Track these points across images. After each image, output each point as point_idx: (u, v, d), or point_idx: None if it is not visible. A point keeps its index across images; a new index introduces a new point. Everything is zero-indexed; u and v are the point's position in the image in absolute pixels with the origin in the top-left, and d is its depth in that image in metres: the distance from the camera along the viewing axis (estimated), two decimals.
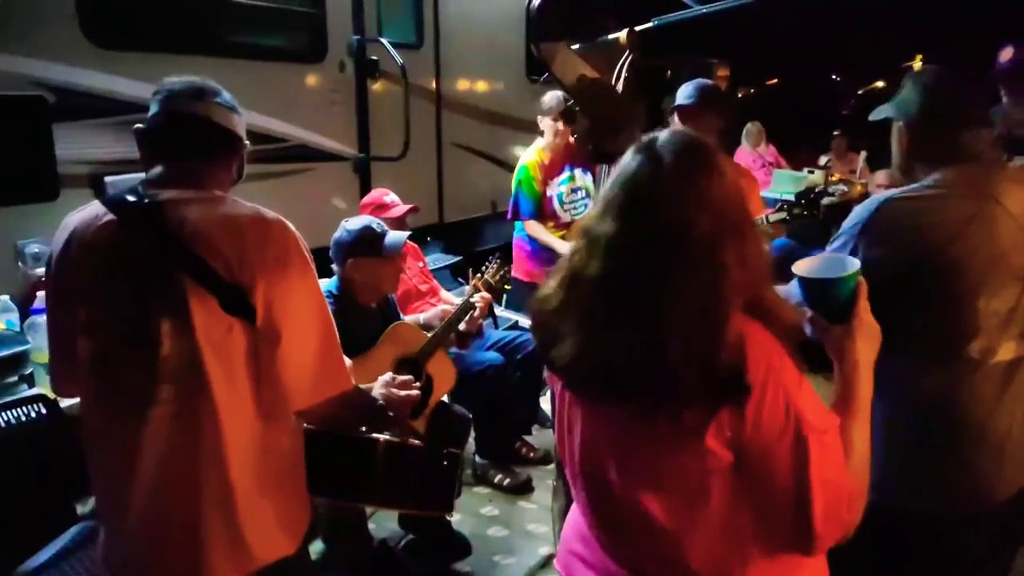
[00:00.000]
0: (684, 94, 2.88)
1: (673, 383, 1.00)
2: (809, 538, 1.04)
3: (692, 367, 0.99)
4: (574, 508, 1.34)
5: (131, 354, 1.31)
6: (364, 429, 1.62)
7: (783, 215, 2.78)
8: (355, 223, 2.64)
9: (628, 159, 1.11)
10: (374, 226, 2.62)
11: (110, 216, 1.34)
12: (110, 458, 1.38)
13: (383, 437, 1.61)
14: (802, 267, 1.23)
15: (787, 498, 1.03)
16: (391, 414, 1.71)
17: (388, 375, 1.82)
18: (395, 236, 2.65)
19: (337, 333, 1.46)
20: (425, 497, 1.73)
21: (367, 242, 2.58)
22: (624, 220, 1.07)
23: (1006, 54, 2.47)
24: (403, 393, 1.80)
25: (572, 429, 1.22)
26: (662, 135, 1.11)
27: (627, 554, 1.20)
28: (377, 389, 1.78)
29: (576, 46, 2.11)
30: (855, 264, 1.22)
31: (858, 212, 1.56)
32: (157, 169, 1.41)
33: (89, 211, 1.39)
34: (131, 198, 1.35)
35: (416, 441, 1.67)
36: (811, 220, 2.79)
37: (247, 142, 1.51)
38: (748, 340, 1.02)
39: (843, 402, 1.15)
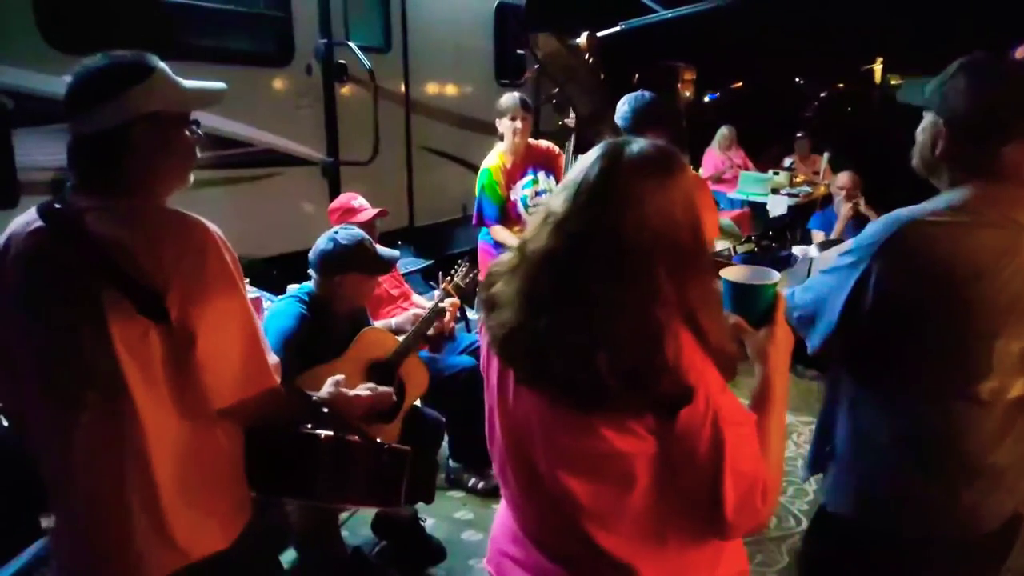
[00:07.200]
0: (618, 115, 2.73)
1: (602, 391, 1.03)
2: (721, 525, 1.09)
3: (622, 380, 1.02)
4: (502, 507, 1.35)
5: (62, 361, 1.33)
6: (309, 426, 1.61)
7: (751, 246, 2.78)
8: (347, 237, 2.57)
9: (593, 151, 1.14)
10: (367, 243, 2.59)
11: (39, 223, 1.35)
12: (52, 464, 1.41)
13: (324, 433, 1.60)
14: (731, 273, 1.29)
15: (703, 486, 1.07)
16: (329, 412, 1.68)
17: (338, 376, 1.81)
18: (389, 254, 2.65)
19: (261, 331, 1.45)
20: (368, 493, 1.72)
21: (362, 260, 2.56)
22: (572, 202, 1.10)
23: (1021, 51, 2.43)
24: (352, 393, 1.79)
25: (499, 409, 1.23)
26: (635, 140, 1.13)
27: (552, 539, 1.21)
28: (325, 388, 1.77)
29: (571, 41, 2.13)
30: (777, 275, 1.29)
31: (876, 230, 1.41)
32: (80, 173, 1.39)
33: (24, 217, 1.39)
34: (58, 204, 1.35)
35: (355, 438, 1.65)
36: (780, 250, 2.82)
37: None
38: (681, 349, 1.04)
39: (761, 400, 1.21)
